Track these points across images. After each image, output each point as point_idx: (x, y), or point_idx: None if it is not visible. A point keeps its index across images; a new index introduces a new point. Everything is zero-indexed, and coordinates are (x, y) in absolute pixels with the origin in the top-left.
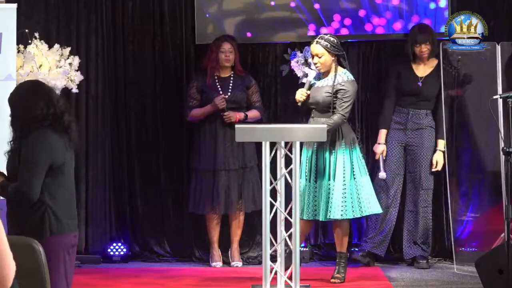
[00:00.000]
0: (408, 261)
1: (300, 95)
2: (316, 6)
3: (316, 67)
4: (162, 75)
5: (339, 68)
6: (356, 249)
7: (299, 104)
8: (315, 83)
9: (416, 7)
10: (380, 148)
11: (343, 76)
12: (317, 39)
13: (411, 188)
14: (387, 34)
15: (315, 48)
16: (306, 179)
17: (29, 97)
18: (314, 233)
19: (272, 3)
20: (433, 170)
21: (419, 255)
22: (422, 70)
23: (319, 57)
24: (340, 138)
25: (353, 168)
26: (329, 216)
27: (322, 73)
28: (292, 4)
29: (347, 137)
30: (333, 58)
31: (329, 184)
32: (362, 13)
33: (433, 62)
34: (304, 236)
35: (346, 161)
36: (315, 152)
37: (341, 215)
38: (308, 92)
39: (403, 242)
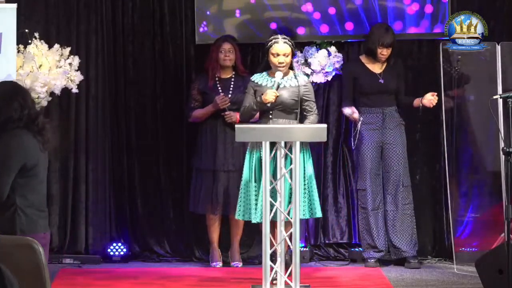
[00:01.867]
0: (400, 261)
1: (272, 96)
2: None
3: (282, 67)
4: (162, 75)
5: (292, 69)
6: (361, 249)
7: (269, 105)
8: (280, 83)
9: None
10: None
11: (303, 77)
12: (283, 40)
13: (391, 187)
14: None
15: (285, 47)
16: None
17: (3, 99)
18: (314, 233)
19: (272, 3)
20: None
21: (408, 255)
22: (377, 67)
23: (286, 57)
24: None
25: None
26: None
27: (274, 74)
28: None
29: None
30: (291, 59)
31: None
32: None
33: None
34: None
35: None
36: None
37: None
38: (278, 94)
39: (391, 242)
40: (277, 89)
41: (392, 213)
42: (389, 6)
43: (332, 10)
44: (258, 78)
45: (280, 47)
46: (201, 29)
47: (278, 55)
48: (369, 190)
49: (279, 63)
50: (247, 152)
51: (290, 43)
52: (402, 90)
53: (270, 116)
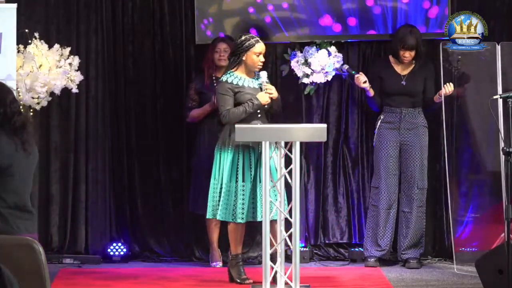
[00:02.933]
0: (400, 261)
1: (268, 97)
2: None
3: (261, 66)
4: (162, 75)
5: None
6: (361, 249)
7: (266, 106)
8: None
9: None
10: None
11: (262, 76)
12: (259, 39)
13: (406, 188)
14: (387, 34)
15: (264, 46)
16: (249, 181)
17: None
18: (314, 233)
19: (272, 2)
20: (443, 93)
21: (410, 256)
22: (403, 68)
23: (264, 56)
24: None
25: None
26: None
27: (247, 73)
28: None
29: None
30: None
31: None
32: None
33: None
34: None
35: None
36: (258, 154)
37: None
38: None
39: (398, 243)
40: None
41: (407, 215)
42: (390, 6)
43: (331, 9)
44: (233, 79)
45: (262, 46)
46: (201, 29)
47: (260, 54)
48: (383, 189)
49: (261, 61)
50: (220, 151)
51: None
52: (429, 92)
53: (259, 116)
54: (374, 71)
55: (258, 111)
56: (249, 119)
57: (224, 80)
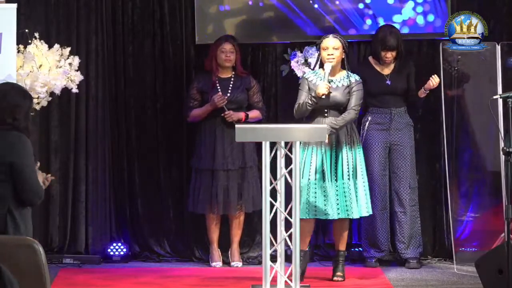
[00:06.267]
0: (400, 261)
1: (324, 88)
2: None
3: (332, 59)
4: (162, 75)
5: (345, 69)
6: (361, 249)
7: (323, 96)
8: (329, 72)
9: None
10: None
11: (355, 77)
12: (333, 35)
13: (397, 188)
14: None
15: (334, 41)
16: (326, 178)
17: None
18: (314, 233)
19: (272, 2)
20: (427, 86)
21: (410, 256)
22: (385, 68)
23: (336, 49)
24: (355, 136)
25: (360, 167)
26: (361, 213)
27: (329, 72)
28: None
29: (356, 136)
30: (343, 57)
31: (356, 182)
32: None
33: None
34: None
35: (360, 159)
36: (334, 150)
37: (367, 211)
38: (329, 85)
39: (395, 243)
40: (329, 82)
41: (401, 214)
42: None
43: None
44: (311, 75)
45: (330, 41)
46: (201, 29)
47: (327, 48)
48: (376, 190)
49: (328, 55)
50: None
51: (342, 40)
52: (411, 90)
53: (326, 115)
54: (359, 72)
55: (326, 110)
56: (314, 116)
57: (304, 77)
